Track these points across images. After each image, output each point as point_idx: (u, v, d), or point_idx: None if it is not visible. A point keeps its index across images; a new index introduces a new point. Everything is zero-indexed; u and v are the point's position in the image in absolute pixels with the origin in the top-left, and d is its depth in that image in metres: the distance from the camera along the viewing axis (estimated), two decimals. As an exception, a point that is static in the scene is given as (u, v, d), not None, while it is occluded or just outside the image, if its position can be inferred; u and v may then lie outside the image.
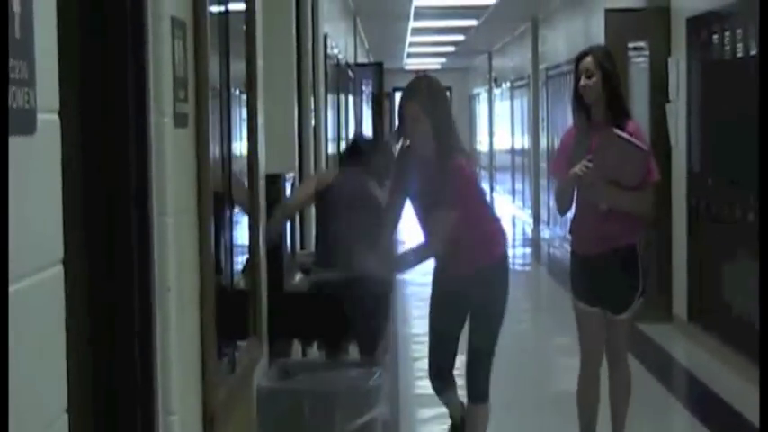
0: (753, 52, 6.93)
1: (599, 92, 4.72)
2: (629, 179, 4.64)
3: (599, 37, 9.54)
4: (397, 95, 29.04)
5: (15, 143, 1.60)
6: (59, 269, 1.85)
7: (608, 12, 9.24)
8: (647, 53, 8.93)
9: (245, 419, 3.95)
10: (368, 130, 16.78)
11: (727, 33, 7.43)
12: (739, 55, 7.22)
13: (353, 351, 5.24)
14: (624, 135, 4.62)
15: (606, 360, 4.98)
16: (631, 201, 4.66)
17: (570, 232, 4.92)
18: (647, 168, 4.67)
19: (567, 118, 13.89)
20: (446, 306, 4.48)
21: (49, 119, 1.80)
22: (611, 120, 4.70)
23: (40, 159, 1.76)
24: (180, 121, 2.75)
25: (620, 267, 4.73)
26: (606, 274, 4.74)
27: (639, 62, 9.05)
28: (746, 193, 7.07)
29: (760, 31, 2.14)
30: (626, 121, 4.74)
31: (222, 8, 3.59)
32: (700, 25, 8.02)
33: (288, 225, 5.12)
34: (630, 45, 9.09)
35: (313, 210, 5.36)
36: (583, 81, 4.73)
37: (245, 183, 4.03)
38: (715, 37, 7.67)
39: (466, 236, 4.33)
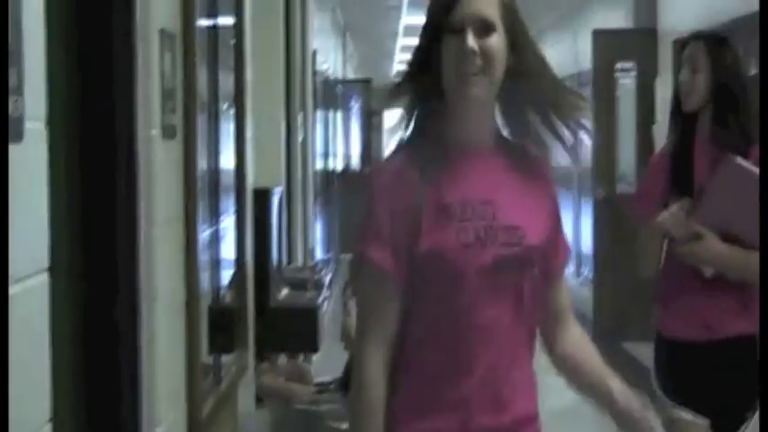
0: (752, 72, 6.95)
1: (704, 95, 3.27)
2: (752, 233, 3.06)
3: (587, 57, 9.58)
4: (386, 112, 28.87)
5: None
6: (45, 278, 1.84)
7: (596, 32, 9.28)
8: (634, 74, 8.97)
9: (231, 431, 3.94)
10: (356, 147, 16.79)
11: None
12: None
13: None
14: (749, 167, 3.12)
15: None
16: (753, 265, 3.04)
17: (655, 303, 3.54)
18: None
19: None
20: None
21: (36, 128, 1.79)
22: (727, 140, 3.22)
23: (26, 168, 1.76)
24: (168, 132, 2.75)
25: (728, 366, 3.23)
26: (707, 375, 3.25)
27: (627, 83, 9.09)
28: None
29: (760, 49, 2.12)
30: (748, 146, 3.21)
31: (211, 22, 3.59)
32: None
33: (274, 239, 5.11)
34: (618, 66, 9.14)
35: (300, 220, 5.32)
36: (682, 75, 3.33)
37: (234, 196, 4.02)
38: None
39: None
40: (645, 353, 8.26)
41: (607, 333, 8.78)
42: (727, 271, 3.21)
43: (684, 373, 3.31)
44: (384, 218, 2.06)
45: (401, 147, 2.19)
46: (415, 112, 2.17)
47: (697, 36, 3.46)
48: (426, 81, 2.08)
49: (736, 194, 3.12)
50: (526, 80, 2.08)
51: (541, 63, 2.11)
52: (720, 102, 3.26)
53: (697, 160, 3.25)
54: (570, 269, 12.30)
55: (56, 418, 1.90)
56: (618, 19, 9.50)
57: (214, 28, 3.65)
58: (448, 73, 2.04)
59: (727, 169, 3.14)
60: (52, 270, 1.87)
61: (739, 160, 3.13)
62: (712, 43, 3.37)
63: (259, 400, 4.67)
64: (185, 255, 2.98)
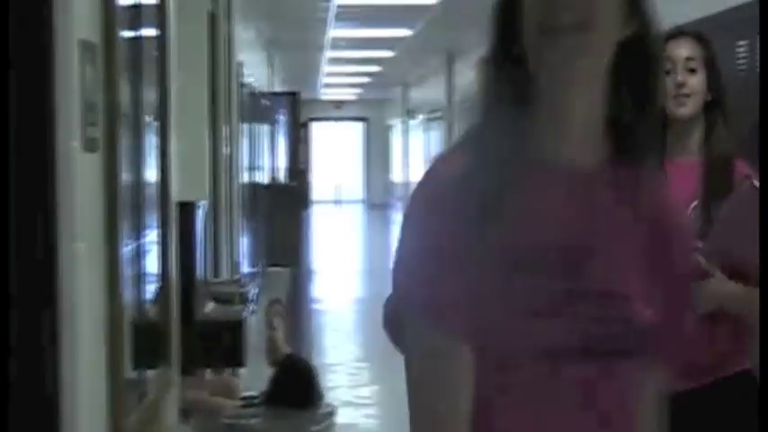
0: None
1: (701, 100, 2.88)
2: (753, 264, 2.64)
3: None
4: (313, 125, 29.05)
5: None
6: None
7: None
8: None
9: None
10: (283, 160, 16.74)
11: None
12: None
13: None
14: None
15: None
16: (756, 303, 2.61)
17: None
18: None
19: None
20: None
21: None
22: (721, 151, 2.82)
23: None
24: (89, 145, 2.71)
25: (733, 407, 2.83)
26: (709, 423, 2.83)
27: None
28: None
29: (761, 49, 2.03)
30: (732, 160, 2.84)
31: (134, 33, 3.55)
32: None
33: (200, 253, 5.07)
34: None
35: (226, 234, 5.28)
36: (680, 76, 2.86)
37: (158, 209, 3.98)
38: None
39: None
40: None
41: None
42: (731, 311, 2.77)
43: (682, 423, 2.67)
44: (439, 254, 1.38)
45: (458, 149, 1.44)
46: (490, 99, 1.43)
47: (684, 32, 2.94)
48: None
49: (752, 221, 2.60)
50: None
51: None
52: (715, 107, 2.88)
53: (675, 177, 2.59)
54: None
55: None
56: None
57: (137, 39, 3.61)
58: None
59: (743, 193, 2.70)
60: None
61: (755, 182, 2.71)
62: (705, 41, 2.93)
63: (185, 415, 4.62)
64: (108, 270, 2.94)
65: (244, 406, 4.46)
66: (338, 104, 30.29)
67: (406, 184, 24.07)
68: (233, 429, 4.29)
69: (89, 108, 2.71)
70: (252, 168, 11.11)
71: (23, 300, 2.46)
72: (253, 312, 5.39)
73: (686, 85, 2.87)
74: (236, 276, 7.45)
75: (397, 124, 26.09)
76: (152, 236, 3.89)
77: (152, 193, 3.88)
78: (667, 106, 2.80)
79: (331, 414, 4.33)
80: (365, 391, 7.72)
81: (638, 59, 1.41)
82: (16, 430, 2.43)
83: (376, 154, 30.97)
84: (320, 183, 31.48)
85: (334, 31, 13.67)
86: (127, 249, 3.26)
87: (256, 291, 5.85)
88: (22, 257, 2.45)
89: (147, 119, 3.82)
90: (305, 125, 27.63)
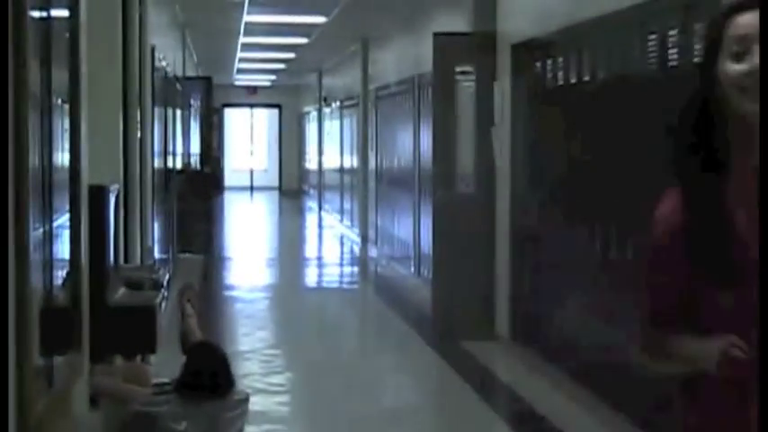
0: (573, 80, 7.16)
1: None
2: None
3: (428, 60, 9.71)
4: (227, 111, 28.80)
5: None
6: None
7: (436, 35, 9.40)
8: (473, 77, 9.13)
9: (63, 437, 3.83)
10: (196, 146, 16.59)
11: (549, 61, 7.66)
12: (560, 82, 7.45)
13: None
14: None
15: None
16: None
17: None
18: None
19: (396, 139, 14.11)
20: None
21: None
22: None
23: None
24: (-2, 126, 2.65)
25: None
26: None
27: (467, 86, 9.24)
28: (568, 212, 7.29)
29: (761, 48, 1.85)
30: None
31: (44, 13, 3.48)
32: (523, 51, 8.25)
33: (111, 238, 4.99)
34: (458, 69, 9.28)
35: (138, 219, 5.21)
36: (747, 61, 2.13)
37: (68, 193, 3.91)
38: (538, 64, 7.89)
39: None
40: (481, 351, 8.45)
41: (445, 331, 8.91)
42: None
43: None
44: None
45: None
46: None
47: (744, 5, 2.16)
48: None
49: None
50: None
51: None
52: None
53: (738, 206, 2.15)
54: (410, 269, 12.46)
55: None
56: (458, 23, 9.66)
57: (47, 20, 3.54)
58: None
59: None
60: None
61: None
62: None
63: (94, 402, 4.56)
64: (15, 254, 2.88)
65: (155, 393, 4.41)
66: (252, 90, 30.11)
67: (320, 172, 24.05)
68: (144, 416, 4.24)
69: (-2, 88, 2.65)
70: (165, 153, 10.99)
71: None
72: (164, 298, 5.34)
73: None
74: (148, 262, 7.36)
75: (311, 111, 26.03)
76: (62, 220, 3.83)
77: (63, 176, 3.82)
78: (735, 100, 2.14)
79: (244, 401, 4.31)
80: (277, 379, 7.70)
81: None
82: None
83: (290, 141, 30.87)
84: (234, 169, 31.28)
85: (249, 17, 13.57)
86: (36, 233, 3.20)
87: (168, 277, 5.79)
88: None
89: (58, 101, 3.75)
90: (219, 111, 27.42)
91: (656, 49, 5.85)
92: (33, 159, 3.11)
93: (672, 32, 5.64)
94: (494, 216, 8.89)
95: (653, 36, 5.88)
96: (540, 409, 6.76)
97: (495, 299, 8.87)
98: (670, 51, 5.66)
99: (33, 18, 3.13)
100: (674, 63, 5.63)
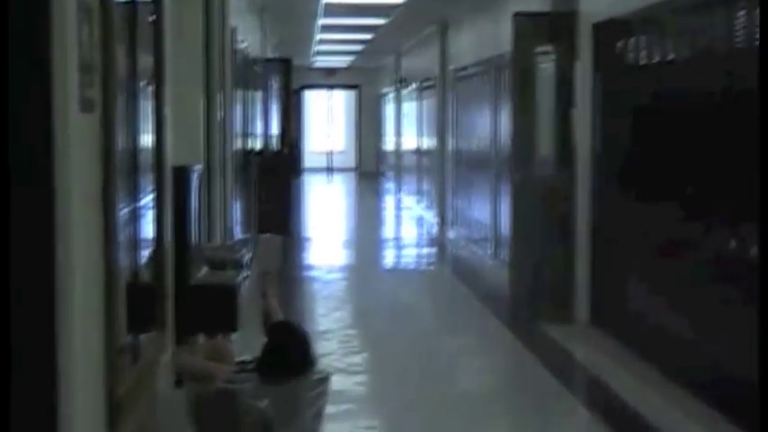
0: (657, 59, 7.06)
1: None
2: None
3: (507, 40, 9.65)
4: (306, 93, 28.83)
5: None
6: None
7: (516, 15, 9.34)
8: (554, 58, 9.04)
9: (149, 411, 3.90)
10: (275, 127, 16.69)
11: (631, 40, 7.56)
12: (643, 62, 7.35)
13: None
14: None
15: None
16: None
17: None
18: None
19: (474, 120, 14.05)
20: None
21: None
22: None
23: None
24: (86, 106, 2.71)
25: None
26: None
27: (547, 67, 9.16)
28: (650, 198, 7.20)
29: (760, 48, 1.81)
30: None
31: (130, -3, 3.54)
32: (606, 31, 8.15)
33: (194, 218, 5.06)
34: (538, 49, 9.21)
35: (220, 199, 5.24)
36: None
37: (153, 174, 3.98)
38: (620, 43, 7.80)
39: None
40: (559, 334, 8.40)
41: (523, 314, 8.88)
42: None
43: None
44: None
45: None
46: None
47: None
48: None
49: None
50: None
51: None
52: None
53: None
54: (488, 251, 12.43)
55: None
56: (538, 2, 9.58)
57: (133, 4, 3.59)
58: None
59: None
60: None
61: None
62: None
63: (178, 381, 4.63)
64: (103, 232, 2.94)
65: (237, 371, 4.46)
66: (331, 72, 30.18)
67: (398, 153, 24.05)
68: (225, 394, 4.29)
69: (86, 69, 2.70)
70: (245, 135, 11.08)
71: (20, 262, 2.46)
72: (246, 278, 5.39)
73: None
74: (230, 242, 7.44)
75: (389, 92, 26.01)
76: (147, 200, 3.89)
77: (147, 156, 3.88)
78: None
79: (325, 380, 4.34)
80: (355, 359, 7.75)
81: None
82: (17, 395, 2.43)
83: (368, 122, 30.89)
84: (312, 151, 31.43)
85: (328, -1, 13.60)
86: (122, 213, 3.25)
87: (249, 257, 5.84)
88: (20, 219, 2.45)
89: (142, 84, 3.80)
90: (297, 92, 27.54)
91: (744, 27, 5.74)
92: (120, 139, 3.17)
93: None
94: (574, 198, 8.82)
95: (741, 13, 5.77)
96: (620, 393, 6.71)
97: (574, 282, 8.81)
98: (758, 29, 5.55)
99: (119, 3, 3.18)
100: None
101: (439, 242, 15.54)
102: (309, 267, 12.87)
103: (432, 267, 13.53)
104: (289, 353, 4.31)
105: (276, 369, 4.27)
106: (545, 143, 9.14)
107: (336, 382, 4.60)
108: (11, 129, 2.40)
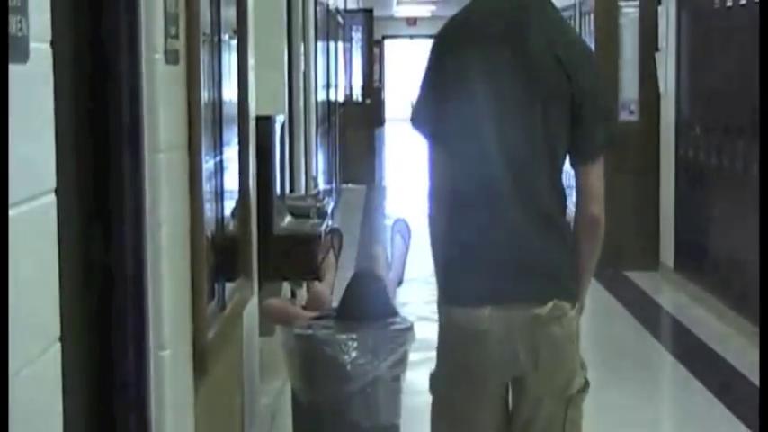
0: (742, 1, 6.91)
1: None
2: None
3: (590, -15, 9.51)
4: (387, 43, 28.69)
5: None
6: (51, 198, 1.86)
7: (599, -40, 9.19)
8: (636, 2, 8.91)
9: (235, 358, 3.99)
10: (358, 78, 16.71)
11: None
12: (728, 4, 7.20)
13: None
14: None
15: None
16: None
17: None
18: None
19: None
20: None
21: (41, 48, 1.80)
22: None
23: (32, 89, 1.76)
24: (171, 57, 2.75)
25: None
26: None
27: (630, 12, 9.02)
28: (735, 141, 7.09)
29: (760, 47, 1.82)
30: None
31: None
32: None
33: (277, 168, 5.11)
34: (621, -7, 9.08)
35: (302, 150, 5.27)
36: None
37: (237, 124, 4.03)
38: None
39: None
40: (643, 280, 8.36)
41: (609, 261, 8.83)
42: None
43: None
44: None
45: None
46: None
47: None
48: None
49: None
50: None
51: None
52: None
53: None
54: (571, 197, 12.32)
55: (65, 339, 1.93)
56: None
57: (215, -45, 3.62)
58: None
59: None
60: (59, 191, 1.88)
61: None
62: None
63: (262, 326, 4.71)
64: (189, 180, 3.00)
65: (316, 318, 4.50)
66: (412, 22, 30.01)
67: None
68: (305, 340, 4.32)
69: (171, 20, 2.74)
70: (327, 86, 11.12)
71: (108, 212, 2.52)
72: (329, 227, 5.44)
73: None
74: (313, 192, 7.51)
75: (471, 42, 25.75)
76: (231, 150, 3.94)
77: (231, 108, 3.92)
78: None
79: (408, 329, 4.36)
80: (439, 307, 7.76)
81: None
82: (105, 333, 2.51)
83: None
84: (394, 101, 31.36)
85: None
86: (207, 163, 3.31)
87: (332, 206, 5.89)
88: (109, 169, 2.51)
89: (226, 36, 3.84)
90: (379, 43, 27.45)
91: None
92: (204, 91, 3.21)
93: None
94: (658, 145, 8.71)
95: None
96: (703, 338, 6.67)
97: (659, 228, 8.73)
98: None
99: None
100: None
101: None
102: (392, 216, 12.91)
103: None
104: (367, 301, 4.34)
105: (355, 316, 4.31)
106: (629, 88, 9.03)
107: (420, 330, 4.62)
108: (99, 79, 2.45)
